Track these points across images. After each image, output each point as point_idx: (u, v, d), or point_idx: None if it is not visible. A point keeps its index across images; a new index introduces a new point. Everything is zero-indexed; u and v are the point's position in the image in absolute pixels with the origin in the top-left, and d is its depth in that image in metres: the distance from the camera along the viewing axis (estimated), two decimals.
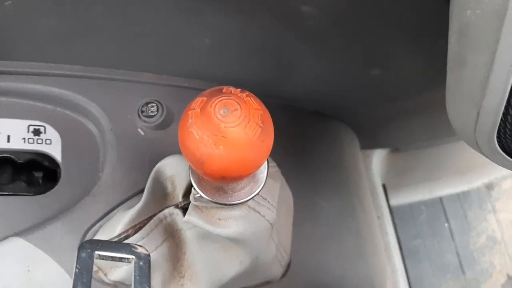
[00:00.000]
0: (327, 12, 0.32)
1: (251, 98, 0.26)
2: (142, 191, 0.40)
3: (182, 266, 0.38)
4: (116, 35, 0.40)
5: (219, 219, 0.32)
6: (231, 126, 0.25)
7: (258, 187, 0.31)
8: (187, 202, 0.35)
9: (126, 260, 0.21)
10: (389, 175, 0.69)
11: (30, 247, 0.35)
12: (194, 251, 0.36)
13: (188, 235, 0.35)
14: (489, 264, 0.79)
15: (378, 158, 0.65)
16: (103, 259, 0.20)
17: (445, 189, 0.83)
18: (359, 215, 0.52)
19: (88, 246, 0.20)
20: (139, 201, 0.40)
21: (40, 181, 0.41)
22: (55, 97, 0.41)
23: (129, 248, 0.21)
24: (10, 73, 0.39)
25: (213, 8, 0.35)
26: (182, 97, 0.44)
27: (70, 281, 0.36)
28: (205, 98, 0.26)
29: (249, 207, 0.33)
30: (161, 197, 0.38)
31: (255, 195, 0.30)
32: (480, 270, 0.78)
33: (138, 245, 0.21)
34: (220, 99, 0.25)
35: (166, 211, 0.37)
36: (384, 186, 0.67)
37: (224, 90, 0.26)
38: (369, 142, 0.63)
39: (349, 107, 0.56)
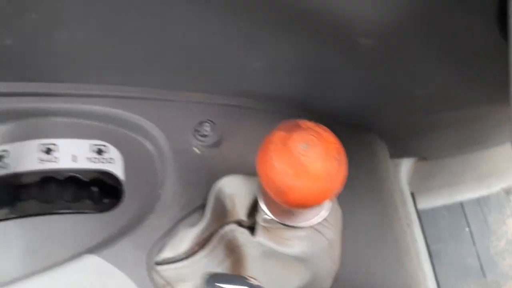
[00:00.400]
0: (384, 43, 0.34)
1: (328, 132, 0.28)
2: (199, 207, 0.43)
3: None
4: (174, 59, 0.41)
5: (285, 239, 0.35)
6: (312, 160, 0.27)
7: (325, 210, 0.33)
8: (252, 222, 0.37)
9: None
10: (414, 182, 0.71)
11: (104, 263, 0.38)
12: (256, 267, 0.38)
13: (252, 252, 0.37)
14: (509, 268, 0.81)
15: (406, 167, 0.68)
16: None
17: (466, 194, 0.85)
18: (394, 223, 0.54)
19: (213, 280, 0.22)
20: (198, 217, 0.42)
21: (102, 199, 0.43)
22: (116, 118, 0.43)
23: (243, 280, 0.23)
24: (74, 95, 0.41)
25: (271, 35, 0.37)
26: (232, 116, 0.46)
27: None
28: (285, 133, 0.28)
29: (312, 227, 0.35)
30: (220, 214, 0.40)
31: (323, 219, 0.32)
32: (501, 273, 0.80)
33: (250, 276, 0.23)
34: (300, 134, 0.27)
35: (227, 228, 0.39)
36: (412, 194, 0.69)
37: (301, 125, 0.28)
38: (398, 152, 0.65)
39: (383, 120, 0.58)
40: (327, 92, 0.45)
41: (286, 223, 0.33)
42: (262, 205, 0.33)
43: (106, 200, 0.43)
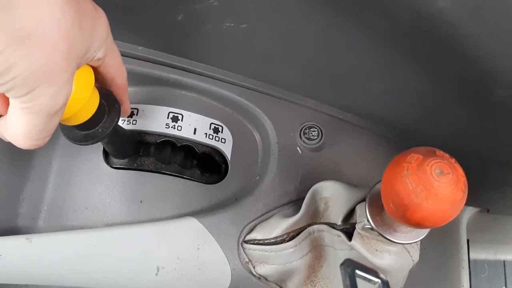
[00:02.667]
0: None
1: (458, 165, 0.29)
2: (291, 201, 0.44)
3: (316, 277, 0.42)
4: (306, 66, 0.42)
5: (376, 250, 0.36)
6: (443, 186, 0.28)
7: (422, 234, 0.34)
8: (344, 227, 0.38)
9: (372, 282, 0.24)
10: (469, 231, 0.71)
11: (202, 229, 0.40)
12: (334, 267, 0.40)
13: (339, 254, 0.39)
14: None
15: (468, 213, 0.67)
16: (358, 277, 0.24)
17: (509, 255, 0.83)
18: (454, 264, 0.54)
19: (351, 265, 0.24)
20: (290, 210, 0.44)
21: (208, 172, 0.46)
22: (238, 104, 0.45)
23: (375, 273, 0.24)
24: (210, 76, 0.44)
25: (408, 64, 0.37)
26: (337, 127, 0.47)
27: (227, 265, 0.40)
28: (421, 156, 0.29)
29: (403, 246, 0.36)
30: (311, 212, 0.42)
31: (420, 239, 0.33)
32: None
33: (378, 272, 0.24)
34: (436, 161, 0.28)
35: (315, 226, 0.41)
36: (467, 241, 0.69)
37: (437, 153, 0.29)
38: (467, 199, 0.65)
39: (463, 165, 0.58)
40: (431, 125, 0.45)
41: (385, 235, 0.34)
42: (368, 214, 0.34)
43: (210, 174, 0.45)
